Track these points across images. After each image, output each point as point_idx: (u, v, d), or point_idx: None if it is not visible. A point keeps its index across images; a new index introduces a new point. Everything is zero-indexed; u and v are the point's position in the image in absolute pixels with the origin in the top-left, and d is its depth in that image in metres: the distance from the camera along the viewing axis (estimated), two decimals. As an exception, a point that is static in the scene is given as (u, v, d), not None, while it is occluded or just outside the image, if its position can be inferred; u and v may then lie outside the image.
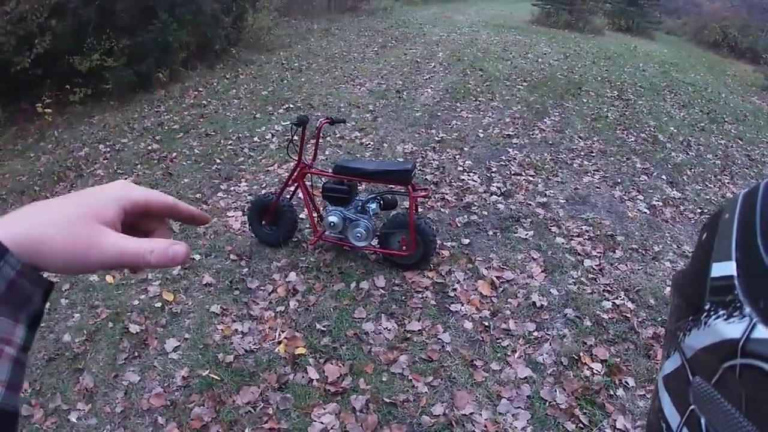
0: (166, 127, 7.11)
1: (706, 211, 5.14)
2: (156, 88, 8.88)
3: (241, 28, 11.12)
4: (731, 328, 0.56)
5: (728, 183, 5.96)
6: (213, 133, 6.67)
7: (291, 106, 7.41)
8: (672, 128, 7.37)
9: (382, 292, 3.53)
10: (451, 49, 11.23)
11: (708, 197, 5.46)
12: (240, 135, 6.53)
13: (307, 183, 3.85)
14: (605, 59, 11.64)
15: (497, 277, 3.70)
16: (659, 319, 3.46)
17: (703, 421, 0.60)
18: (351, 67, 9.56)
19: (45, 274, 0.41)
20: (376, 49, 11.32)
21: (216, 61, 10.27)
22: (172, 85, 9.03)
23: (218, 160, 5.84)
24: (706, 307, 0.64)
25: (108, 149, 6.67)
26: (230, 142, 6.35)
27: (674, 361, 0.72)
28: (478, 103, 7.56)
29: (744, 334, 0.54)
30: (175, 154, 6.17)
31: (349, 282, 3.62)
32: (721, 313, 0.59)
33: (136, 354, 3.19)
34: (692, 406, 0.63)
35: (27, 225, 0.41)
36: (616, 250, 4.18)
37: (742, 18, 19.77)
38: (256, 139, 6.39)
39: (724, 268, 0.63)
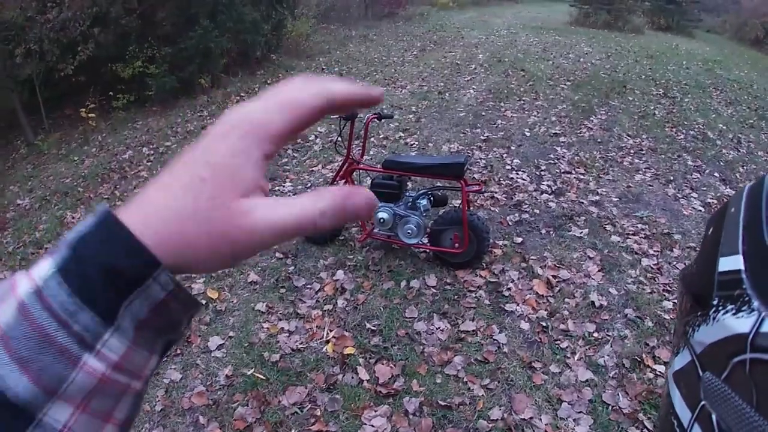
0: (209, 131, 7.14)
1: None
2: (198, 94, 8.98)
3: (281, 35, 11.20)
4: (740, 323, 0.59)
5: (783, 181, 5.67)
6: (255, 136, 6.66)
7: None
8: (721, 125, 7.08)
9: (434, 291, 3.40)
10: (491, 51, 11.07)
11: (764, 196, 5.18)
12: (282, 137, 6.49)
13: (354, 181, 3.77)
14: (647, 58, 11.32)
15: (553, 276, 3.54)
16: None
17: (714, 416, 0.61)
18: (391, 71, 9.50)
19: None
20: (415, 52, 11.24)
21: (257, 67, 10.34)
22: (214, 90, 9.12)
23: (261, 162, 5.81)
24: (714, 302, 0.68)
25: (152, 152, 6.75)
26: (272, 143, 6.32)
27: (684, 356, 0.76)
28: (522, 102, 7.39)
29: (753, 328, 0.56)
30: (218, 156, 6.17)
31: (399, 281, 3.50)
32: (729, 307, 0.63)
33: (179, 351, 3.14)
34: (703, 402, 0.65)
35: (163, 219, 0.29)
36: (674, 249, 3.98)
37: (784, 13, 18.93)
38: (299, 140, 6.35)
39: (732, 263, 0.67)
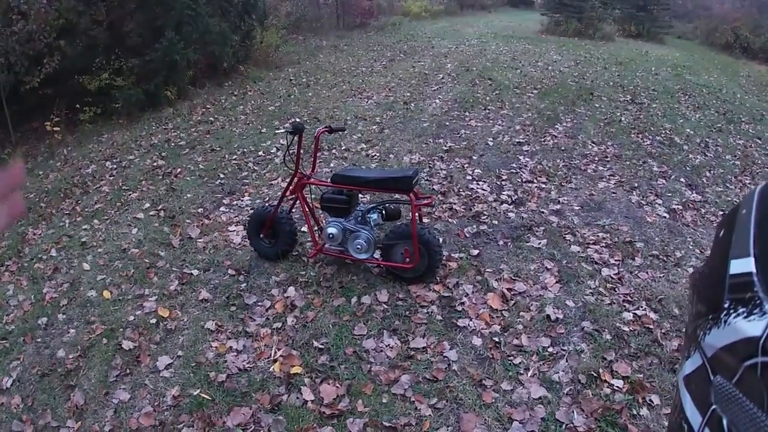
0: (173, 144, 7.05)
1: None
2: (164, 106, 8.88)
3: (250, 45, 11.14)
4: (751, 326, 0.58)
5: (749, 184, 5.71)
6: (218, 149, 6.59)
7: (297, 119, 7.30)
8: (688, 130, 7.13)
9: (385, 307, 3.33)
10: (460, 60, 11.10)
11: (729, 199, 5.21)
12: (245, 150, 6.43)
13: (308, 195, 3.70)
14: (617, 65, 11.43)
15: (508, 289, 3.48)
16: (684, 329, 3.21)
17: (725, 420, 0.60)
18: (359, 81, 9.47)
19: None
20: (384, 62, 11.24)
21: (224, 78, 10.26)
22: (180, 102, 9.02)
23: (222, 175, 5.73)
24: (726, 305, 0.67)
25: (115, 166, 6.64)
26: (235, 156, 6.25)
27: (694, 360, 0.75)
28: (487, 111, 7.38)
29: (764, 331, 0.55)
30: (179, 169, 6.09)
31: (350, 297, 3.43)
32: (740, 310, 0.62)
33: (128, 371, 3.09)
34: (714, 406, 0.64)
35: None
36: (636, 258, 3.95)
37: (753, 18, 19.21)
38: (261, 153, 6.28)
39: (743, 265, 0.66)
